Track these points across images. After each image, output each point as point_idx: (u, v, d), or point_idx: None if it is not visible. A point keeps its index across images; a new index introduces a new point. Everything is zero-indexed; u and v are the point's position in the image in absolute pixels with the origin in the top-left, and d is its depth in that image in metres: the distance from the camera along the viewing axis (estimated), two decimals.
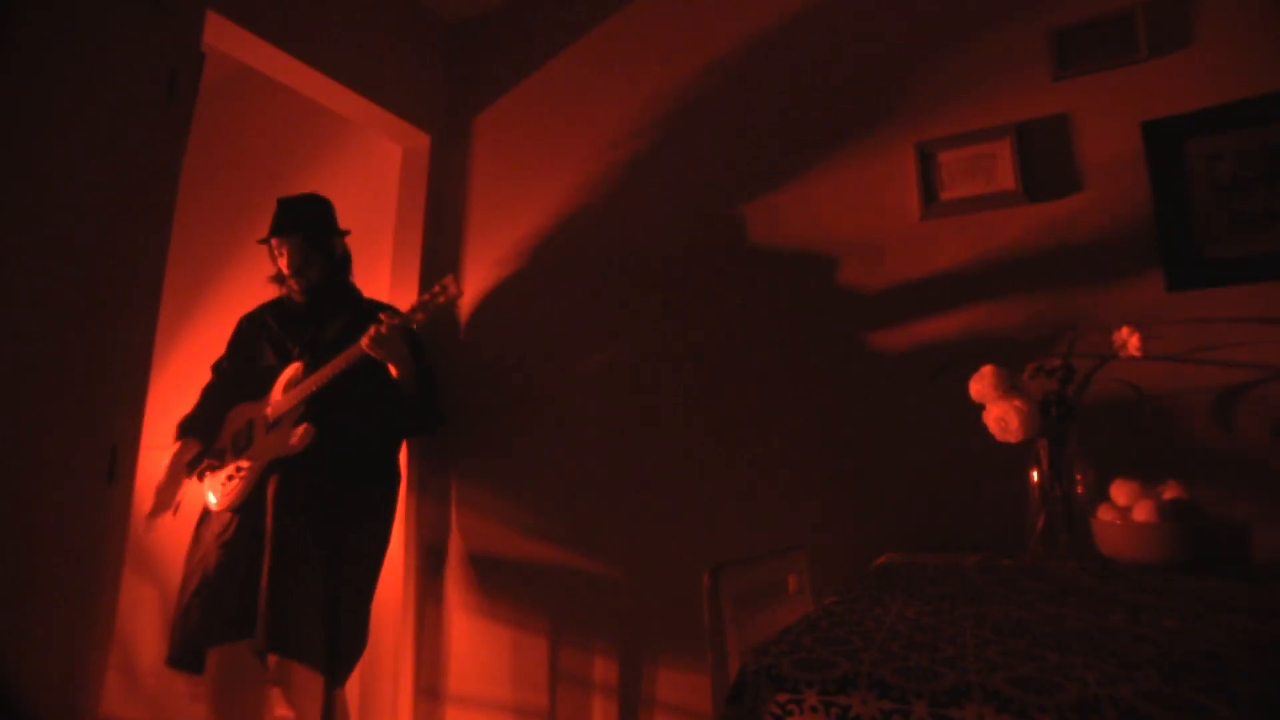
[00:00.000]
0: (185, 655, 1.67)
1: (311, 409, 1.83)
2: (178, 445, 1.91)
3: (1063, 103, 1.62)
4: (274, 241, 1.97)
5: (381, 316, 1.79)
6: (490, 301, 2.28)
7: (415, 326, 1.82)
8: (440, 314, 1.76)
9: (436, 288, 1.80)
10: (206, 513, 1.86)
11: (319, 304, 1.99)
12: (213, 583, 1.69)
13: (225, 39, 1.89)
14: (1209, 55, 1.50)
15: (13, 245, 1.38)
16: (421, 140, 2.44)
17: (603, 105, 2.21)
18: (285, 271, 1.98)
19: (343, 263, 2.05)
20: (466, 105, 2.48)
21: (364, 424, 1.90)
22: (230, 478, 1.81)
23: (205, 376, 2.07)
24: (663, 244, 2.03)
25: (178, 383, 2.68)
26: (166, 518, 1.85)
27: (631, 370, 2.01)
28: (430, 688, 2.13)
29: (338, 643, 1.70)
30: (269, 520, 1.72)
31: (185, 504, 1.89)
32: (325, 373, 1.82)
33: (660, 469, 1.93)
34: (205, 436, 1.93)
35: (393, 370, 1.87)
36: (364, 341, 1.78)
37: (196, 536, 1.84)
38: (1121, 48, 1.56)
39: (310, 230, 1.98)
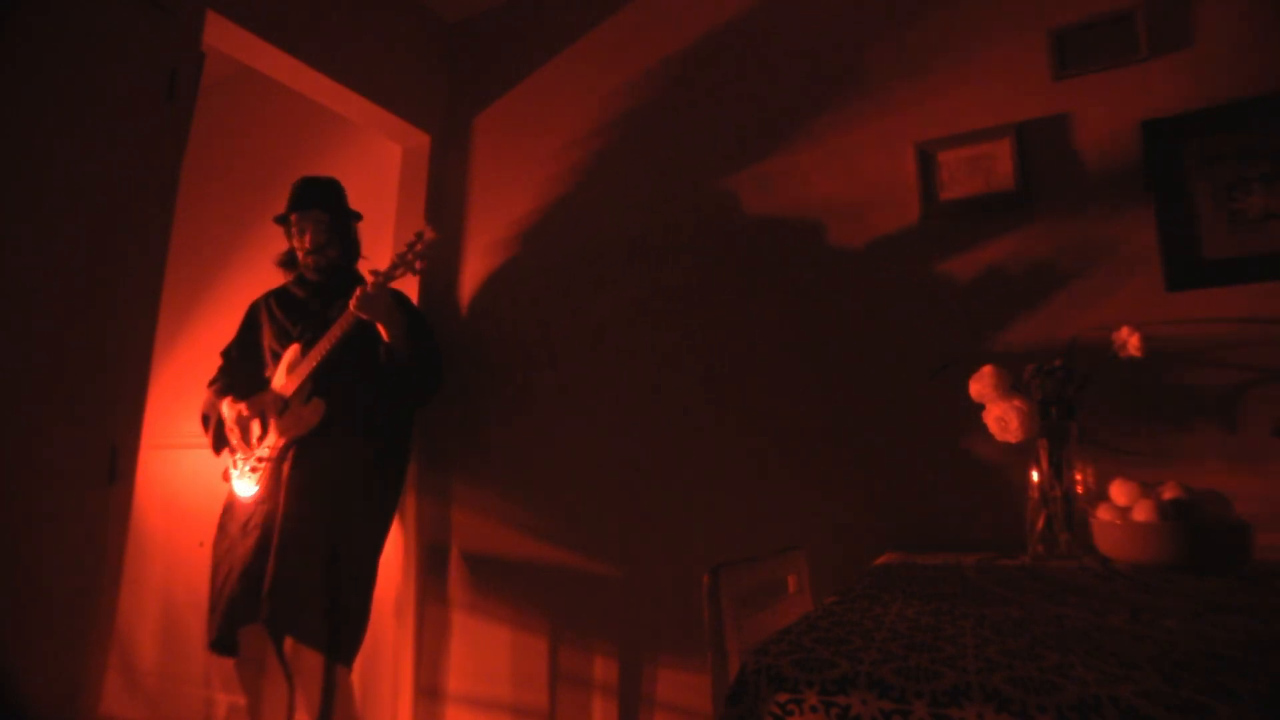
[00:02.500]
0: (221, 640, 1.74)
1: (318, 385, 1.84)
2: (228, 400, 1.92)
3: (1063, 103, 1.62)
4: (295, 217, 1.97)
5: (366, 275, 1.81)
6: (490, 301, 2.29)
7: (406, 274, 1.82)
8: (422, 258, 1.81)
9: (413, 238, 1.82)
10: (230, 503, 1.91)
11: (327, 286, 2.00)
12: (239, 569, 1.76)
13: (225, 39, 1.89)
14: (1209, 55, 1.50)
15: (12, 245, 1.38)
16: (421, 140, 2.44)
17: (602, 104, 2.21)
18: (307, 247, 1.97)
19: (356, 247, 2.08)
20: (466, 105, 2.48)
21: (368, 393, 1.90)
22: (254, 470, 1.85)
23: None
24: (664, 244, 2.03)
25: (178, 383, 2.69)
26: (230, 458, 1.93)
27: (631, 371, 2.01)
28: (430, 688, 2.13)
29: (341, 620, 1.74)
30: (281, 503, 1.77)
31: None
32: (324, 345, 1.83)
33: (660, 469, 1.92)
34: (242, 396, 1.95)
35: (383, 332, 1.86)
36: (352, 304, 1.79)
37: (221, 527, 1.90)
38: (1121, 48, 1.56)
39: (337, 209, 2.00)
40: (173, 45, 1.68)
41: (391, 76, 2.31)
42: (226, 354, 2.07)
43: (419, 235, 1.82)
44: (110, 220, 1.54)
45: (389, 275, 1.81)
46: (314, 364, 1.83)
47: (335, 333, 1.82)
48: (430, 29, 2.51)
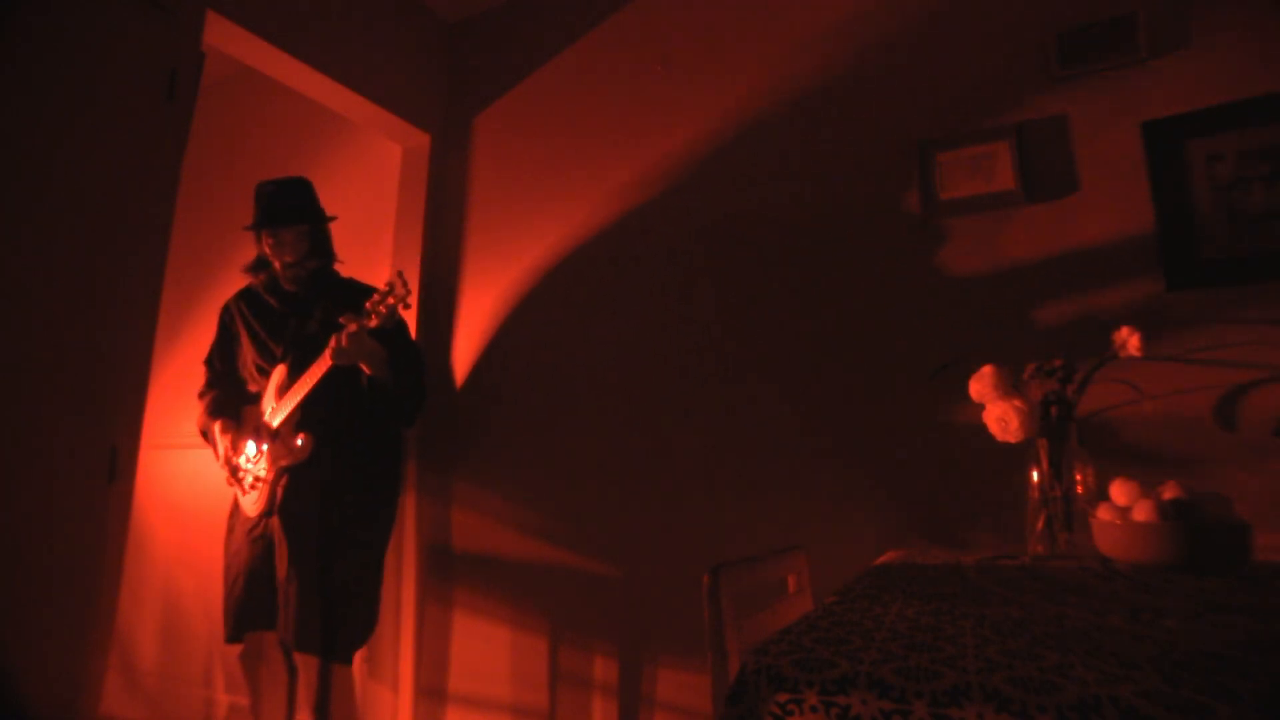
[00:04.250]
0: (235, 635, 1.83)
1: (306, 414, 1.84)
2: (219, 426, 1.93)
3: (1063, 103, 1.62)
4: (272, 231, 1.89)
5: (342, 321, 1.76)
6: (490, 301, 2.29)
7: (374, 324, 1.75)
8: (393, 310, 1.76)
9: (385, 287, 1.75)
10: (237, 505, 1.93)
11: (304, 295, 1.96)
12: (246, 576, 1.82)
13: (225, 39, 1.89)
14: (1209, 55, 1.50)
15: (12, 245, 1.39)
16: (421, 140, 2.44)
17: (602, 105, 2.21)
18: (288, 259, 1.91)
19: (330, 249, 2.02)
20: (466, 105, 2.48)
21: (354, 418, 1.90)
22: (253, 488, 1.87)
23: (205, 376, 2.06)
24: (663, 243, 2.03)
25: (178, 383, 2.69)
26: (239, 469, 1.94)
27: (631, 370, 2.01)
28: (430, 688, 2.13)
29: (338, 625, 1.77)
30: (279, 524, 1.80)
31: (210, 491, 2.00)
32: (306, 383, 1.81)
33: (660, 469, 1.93)
34: (235, 416, 1.96)
35: (364, 368, 1.84)
36: (328, 356, 1.76)
37: (230, 528, 1.93)
38: (1121, 48, 1.56)
39: (315, 218, 1.95)
40: (173, 45, 1.68)
41: (391, 76, 2.31)
42: (209, 364, 2.04)
43: (391, 286, 1.74)
44: (110, 220, 1.54)
45: (362, 326, 1.75)
46: (297, 400, 1.82)
47: (317, 372, 1.79)
48: (430, 29, 2.51)
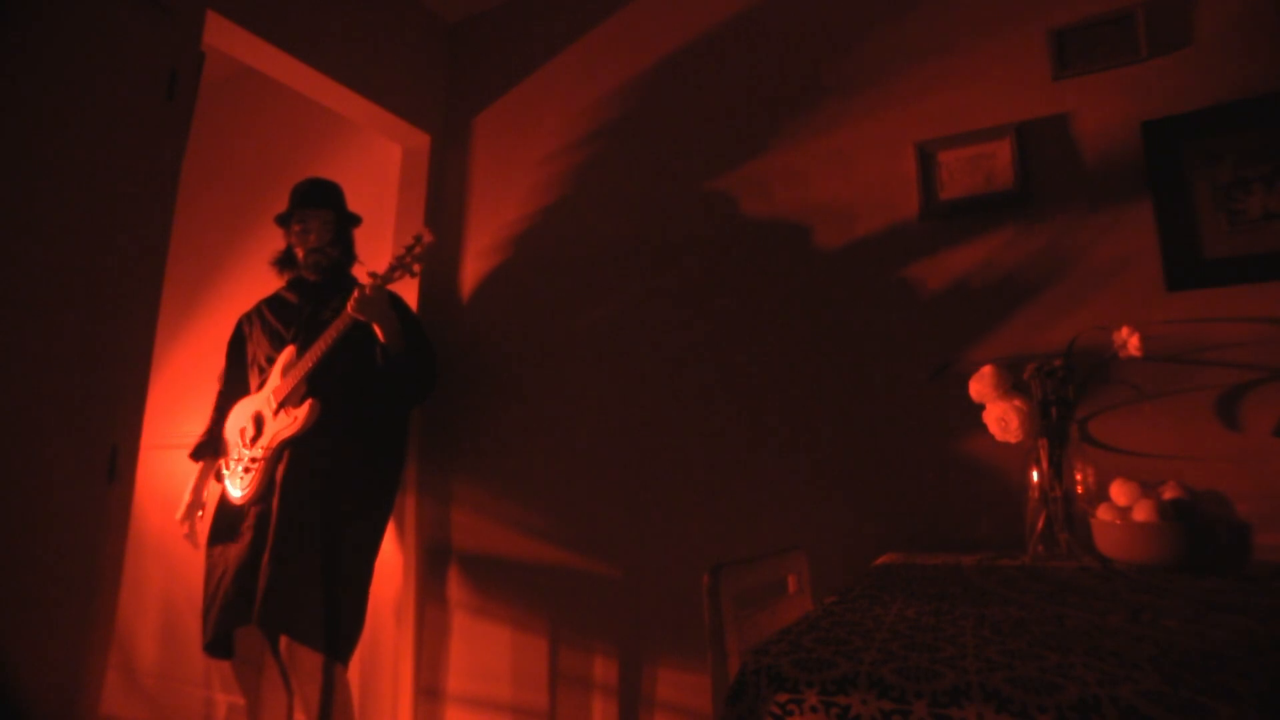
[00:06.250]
0: (216, 642, 1.75)
1: (313, 386, 1.84)
2: (199, 467, 1.96)
3: (1063, 103, 1.62)
4: (300, 215, 1.97)
5: (365, 277, 1.81)
6: (490, 300, 2.29)
7: (404, 276, 1.83)
8: (420, 261, 1.82)
9: (411, 240, 1.83)
10: (223, 503, 1.91)
11: (323, 287, 1.99)
12: (233, 570, 1.76)
13: (225, 39, 1.89)
14: (1209, 55, 1.50)
15: (12, 245, 1.38)
16: (421, 140, 2.44)
17: (603, 105, 2.21)
18: (312, 245, 1.97)
19: (353, 250, 2.08)
20: (466, 105, 2.48)
21: (362, 394, 1.90)
22: (247, 470, 1.84)
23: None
24: (663, 243, 2.03)
25: (178, 383, 2.69)
26: (198, 524, 1.97)
27: (632, 370, 2.01)
28: (430, 688, 2.13)
29: (337, 620, 1.74)
30: (275, 503, 1.77)
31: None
32: (319, 346, 1.83)
33: (661, 469, 1.92)
34: (219, 452, 1.98)
35: (379, 333, 1.85)
36: (350, 305, 1.78)
37: (215, 528, 1.90)
38: (1121, 48, 1.56)
39: (341, 210, 2.02)
40: (173, 45, 1.68)
41: (391, 76, 2.31)
42: (222, 377, 2.07)
43: (417, 239, 1.82)
44: (110, 220, 1.54)
45: (387, 278, 1.80)
46: (310, 365, 1.82)
47: (331, 334, 1.81)
48: (430, 29, 2.51)
